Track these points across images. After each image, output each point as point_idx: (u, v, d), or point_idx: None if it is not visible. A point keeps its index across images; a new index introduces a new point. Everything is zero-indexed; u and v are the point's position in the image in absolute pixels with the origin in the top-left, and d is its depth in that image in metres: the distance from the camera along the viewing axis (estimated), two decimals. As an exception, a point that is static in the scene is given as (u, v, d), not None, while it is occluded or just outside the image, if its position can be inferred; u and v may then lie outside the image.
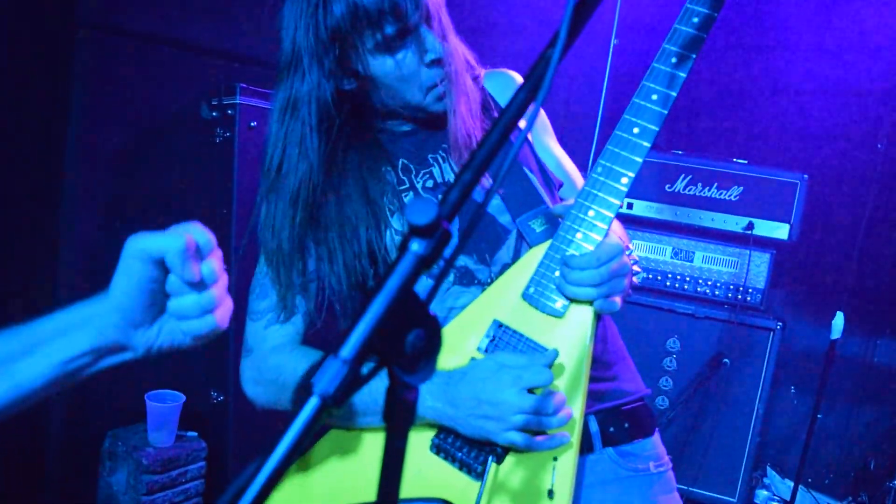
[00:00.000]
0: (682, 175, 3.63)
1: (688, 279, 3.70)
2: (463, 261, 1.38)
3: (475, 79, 1.48)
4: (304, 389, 0.58)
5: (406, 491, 1.30)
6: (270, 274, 1.41)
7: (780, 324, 3.52)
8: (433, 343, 0.65)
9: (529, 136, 1.52)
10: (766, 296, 3.66)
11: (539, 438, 1.22)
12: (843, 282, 4.09)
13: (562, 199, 1.51)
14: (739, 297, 3.63)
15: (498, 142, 0.68)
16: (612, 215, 1.24)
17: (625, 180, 1.22)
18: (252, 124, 2.62)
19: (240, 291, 2.58)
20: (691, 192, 3.62)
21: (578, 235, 1.24)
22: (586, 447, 1.38)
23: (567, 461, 1.23)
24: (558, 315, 1.26)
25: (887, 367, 4.03)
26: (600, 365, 1.43)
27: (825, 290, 4.13)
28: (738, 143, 4.23)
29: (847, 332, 3.91)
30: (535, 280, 1.28)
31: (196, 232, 0.84)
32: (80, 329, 0.83)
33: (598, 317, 1.29)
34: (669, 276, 3.71)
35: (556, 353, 1.24)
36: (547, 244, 1.29)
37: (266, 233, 1.40)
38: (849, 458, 4.18)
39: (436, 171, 1.42)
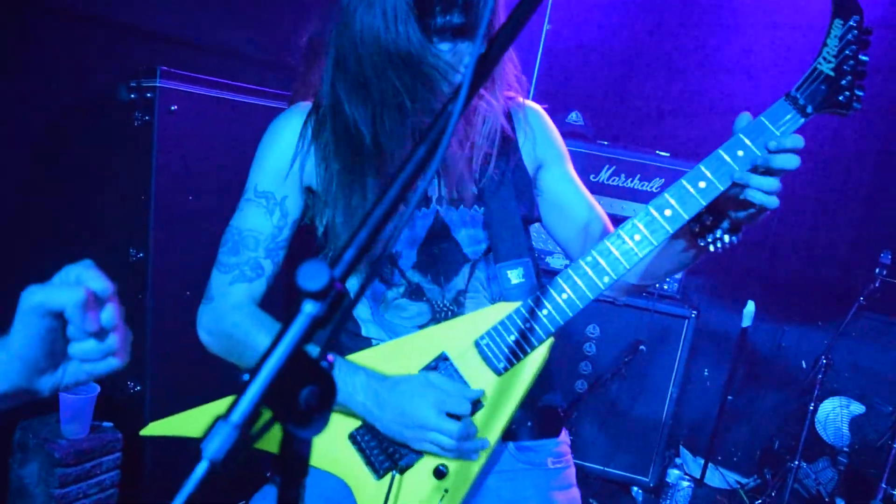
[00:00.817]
0: (607, 166, 3.71)
1: (609, 268, 3.79)
2: (416, 277, 1.42)
3: (509, 99, 1.50)
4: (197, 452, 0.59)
5: (317, 460, 1.39)
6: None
7: (694, 312, 3.65)
8: (327, 397, 0.66)
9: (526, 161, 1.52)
10: (683, 285, 3.79)
11: (451, 447, 1.29)
12: (755, 272, 4.26)
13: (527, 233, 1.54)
14: (657, 285, 3.74)
15: (396, 198, 0.69)
16: (581, 306, 1.29)
17: (606, 279, 1.27)
18: (172, 108, 2.54)
19: (159, 274, 2.54)
20: (615, 183, 3.70)
21: (544, 312, 1.30)
22: None
23: (455, 496, 1.33)
24: (497, 373, 1.33)
25: (794, 352, 4.23)
26: None
27: (738, 279, 4.30)
28: (662, 136, 4.33)
29: (757, 320, 4.09)
30: (490, 334, 1.34)
31: (91, 279, 0.83)
32: None
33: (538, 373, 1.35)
34: (591, 264, 3.80)
35: (481, 393, 1.33)
36: (515, 305, 1.34)
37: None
38: (756, 438, 4.40)
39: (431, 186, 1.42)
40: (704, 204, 1.22)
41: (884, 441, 3.06)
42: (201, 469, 0.58)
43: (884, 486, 2.86)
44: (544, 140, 1.54)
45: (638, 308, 3.67)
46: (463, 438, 1.28)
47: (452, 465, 1.32)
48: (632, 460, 3.83)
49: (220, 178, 2.64)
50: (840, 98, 1.21)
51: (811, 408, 3.55)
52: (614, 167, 3.69)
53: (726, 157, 1.21)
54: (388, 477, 1.34)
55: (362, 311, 1.46)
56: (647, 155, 3.69)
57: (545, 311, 1.30)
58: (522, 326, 1.32)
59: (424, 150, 0.70)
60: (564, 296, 1.29)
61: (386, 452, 1.35)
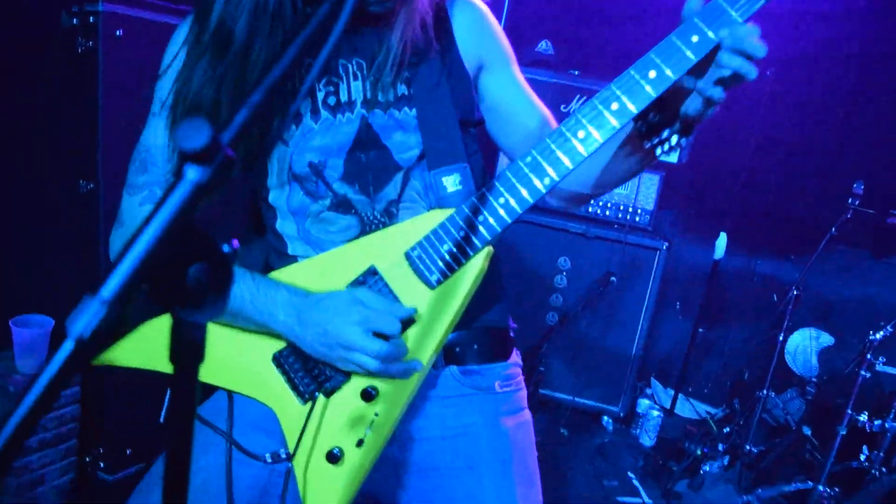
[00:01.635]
0: (578, 96, 3.63)
1: (580, 200, 3.75)
2: (343, 189, 1.31)
3: None
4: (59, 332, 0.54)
5: (239, 385, 1.32)
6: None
7: (666, 244, 3.63)
8: (221, 277, 0.60)
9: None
10: (655, 217, 3.76)
11: (378, 369, 1.20)
12: (728, 203, 4.23)
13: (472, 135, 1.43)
14: (629, 217, 3.71)
15: (294, 60, 0.63)
16: (520, 211, 1.19)
17: (547, 180, 1.16)
18: (118, 33, 2.43)
19: (110, 204, 2.45)
20: (585, 113, 3.63)
21: (480, 218, 1.20)
22: None
23: (386, 420, 1.24)
24: (430, 286, 1.24)
25: (765, 284, 4.24)
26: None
27: (711, 211, 4.28)
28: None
29: (730, 252, 4.08)
30: (422, 244, 1.24)
31: None
32: None
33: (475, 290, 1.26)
34: (562, 196, 3.76)
35: (412, 311, 1.23)
36: (449, 212, 1.23)
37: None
38: (726, 369, 4.44)
39: (342, 87, 1.29)
40: (654, 96, 1.09)
41: (851, 369, 3.07)
42: (66, 349, 0.53)
43: (849, 412, 2.88)
44: (485, 37, 1.39)
45: (609, 240, 3.64)
46: (391, 360, 1.19)
47: (382, 388, 1.24)
48: (602, 391, 3.85)
49: (172, 105, 2.54)
50: None
51: (780, 339, 3.56)
52: (585, 97, 3.61)
53: (679, 44, 1.07)
54: (317, 402, 1.26)
55: (288, 227, 1.36)
56: (618, 84, 3.62)
57: (481, 218, 1.20)
58: (456, 235, 1.21)
59: (329, 8, 0.63)
60: (502, 200, 1.18)
61: (311, 374, 1.27)
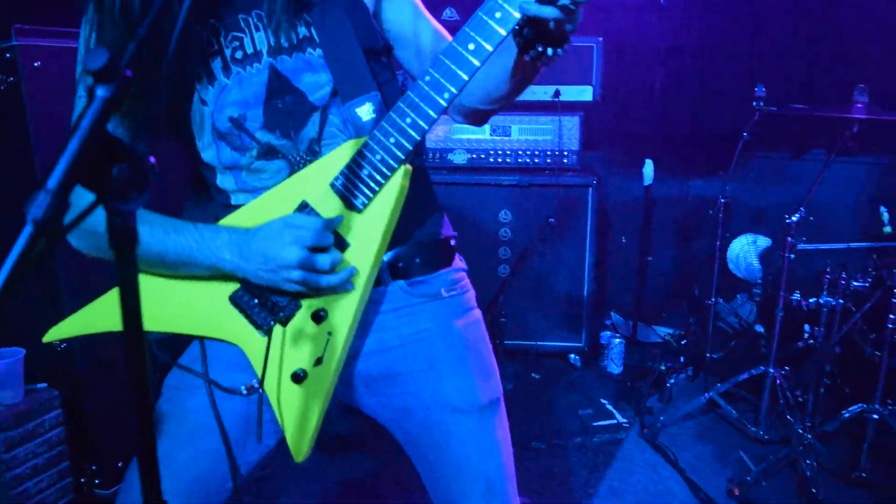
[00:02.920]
0: (488, 55, 3.79)
1: (509, 152, 3.93)
2: (266, 137, 1.43)
3: None
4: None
5: (205, 330, 1.46)
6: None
7: (595, 179, 3.83)
8: (140, 174, 0.75)
9: None
10: (582, 156, 3.95)
11: (320, 280, 1.34)
12: (648, 131, 4.43)
13: (388, 62, 1.52)
14: (557, 160, 3.90)
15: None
16: (426, 126, 1.30)
17: (447, 94, 1.26)
18: (36, 64, 2.53)
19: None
20: (498, 71, 3.80)
21: (391, 140, 1.32)
22: (374, 282, 1.48)
23: (338, 337, 1.39)
24: (358, 210, 1.37)
25: (699, 201, 4.44)
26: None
27: (636, 141, 4.47)
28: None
29: (662, 177, 4.29)
30: (344, 172, 1.36)
31: None
32: None
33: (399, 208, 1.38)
34: (492, 152, 3.93)
35: (340, 219, 1.37)
36: (363, 140, 1.35)
37: None
38: (679, 290, 4.64)
39: (247, 40, 1.40)
40: None
41: (777, 255, 3.27)
42: (26, 232, 0.67)
43: (782, 293, 3.09)
44: None
45: (543, 185, 3.83)
46: (330, 270, 1.33)
47: (331, 308, 1.39)
48: (565, 331, 4.04)
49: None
50: None
51: (718, 245, 3.78)
52: (494, 55, 3.78)
53: None
54: (274, 332, 1.40)
55: (227, 182, 1.48)
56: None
57: (392, 140, 1.32)
58: (373, 159, 1.34)
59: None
60: (409, 120, 1.30)
61: (266, 308, 1.41)
